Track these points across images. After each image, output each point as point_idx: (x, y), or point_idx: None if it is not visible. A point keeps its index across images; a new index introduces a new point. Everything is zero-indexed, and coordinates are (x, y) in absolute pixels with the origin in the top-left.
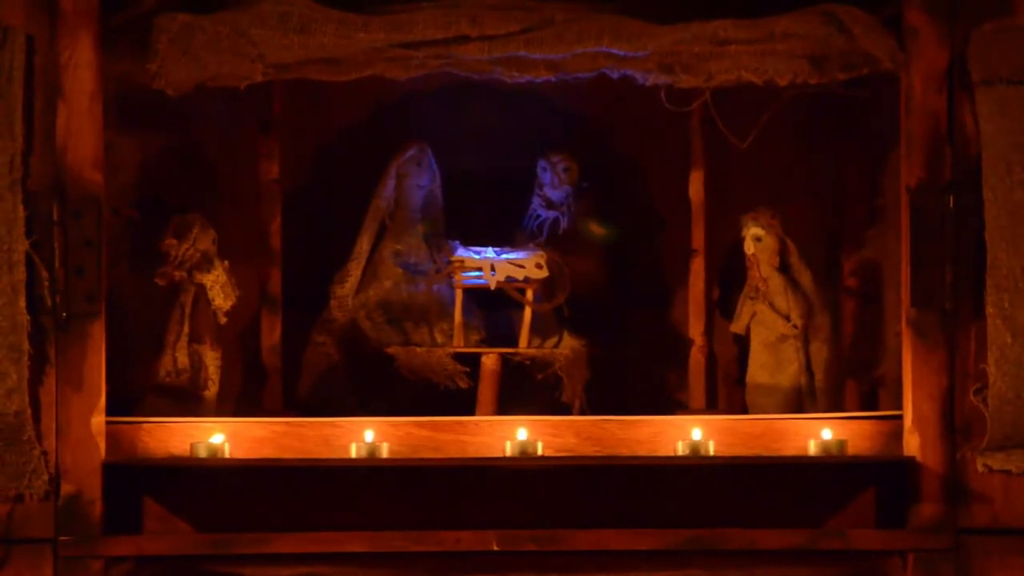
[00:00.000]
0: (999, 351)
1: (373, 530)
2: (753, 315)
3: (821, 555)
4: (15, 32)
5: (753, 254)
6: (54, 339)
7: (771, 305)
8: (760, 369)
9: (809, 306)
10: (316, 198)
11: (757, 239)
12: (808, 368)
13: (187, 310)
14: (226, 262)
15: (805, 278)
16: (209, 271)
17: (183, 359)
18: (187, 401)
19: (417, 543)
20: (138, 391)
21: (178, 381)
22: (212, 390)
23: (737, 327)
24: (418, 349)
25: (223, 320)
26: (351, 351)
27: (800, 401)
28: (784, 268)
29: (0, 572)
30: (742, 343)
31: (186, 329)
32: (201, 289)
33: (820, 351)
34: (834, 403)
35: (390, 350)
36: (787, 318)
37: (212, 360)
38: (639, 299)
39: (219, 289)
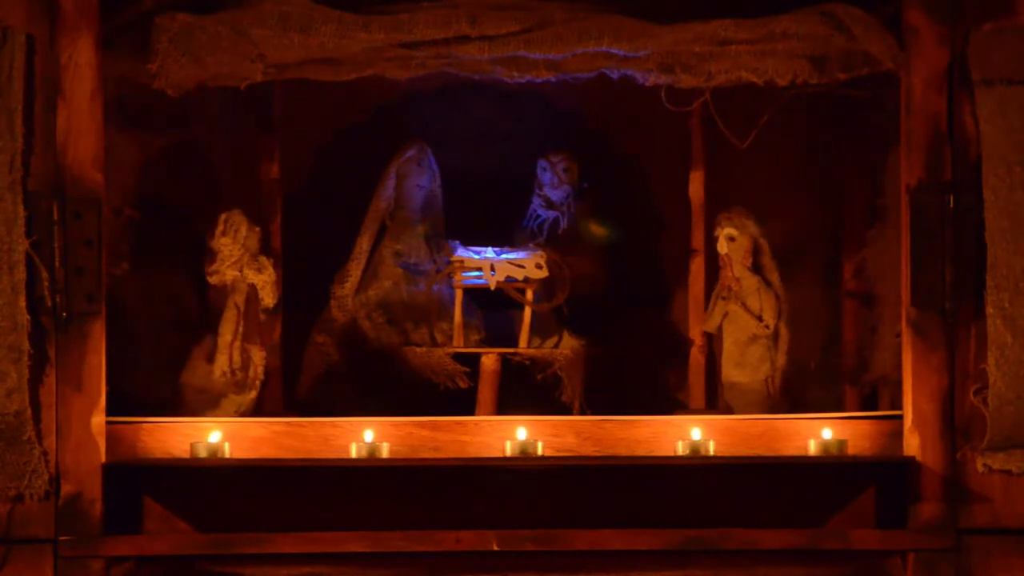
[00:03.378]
0: (999, 351)
1: (373, 530)
2: (725, 315)
3: (821, 555)
4: (15, 32)
5: (726, 254)
6: (54, 339)
7: (743, 305)
8: (733, 368)
9: (781, 306)
10: (316, 198)
11: (730, 239)
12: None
13: (242, 309)
14: (272, 259)
15: (775, 279)
16: (261, 271)
17: (238, 358)
18: (228, 400)
19: (417, 543)
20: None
21: (231, 381)
22: (258, 388)
23: (709, 326)
24: (418, 349)
25: (262, 318)
26: (351, 351)
27: (773, 400)
28: (756, 268)
29: (0, 572)
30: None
31: (241, 329)
32: (252, 289)
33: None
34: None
35: (390, 350)
36: (759, 318)
37: (259, 359)
38: (639, 299)
39: (270, 289)
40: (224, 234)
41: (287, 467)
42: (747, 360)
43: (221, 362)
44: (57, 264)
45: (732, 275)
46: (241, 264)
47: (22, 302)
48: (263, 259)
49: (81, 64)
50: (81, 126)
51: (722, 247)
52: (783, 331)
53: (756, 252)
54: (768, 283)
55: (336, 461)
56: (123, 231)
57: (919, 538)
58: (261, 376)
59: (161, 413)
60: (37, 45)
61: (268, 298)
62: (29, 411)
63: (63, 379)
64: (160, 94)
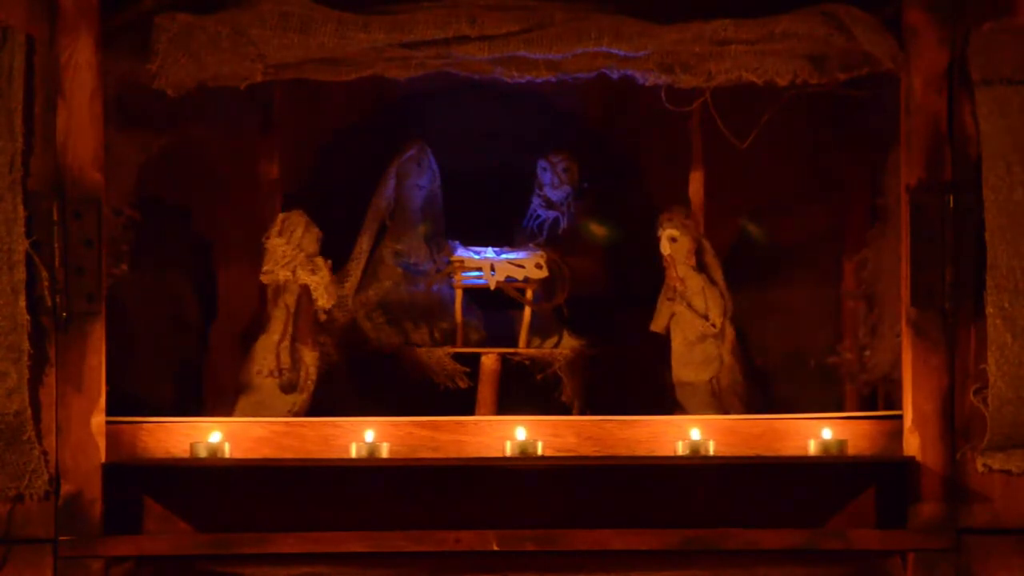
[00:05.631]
0: (999, 351)
1: (373, 530)
2: (672, 315)
3: (821, 555)
4: (15, 32)
5: (669, 255)
6: (54, 339)
7: (689, 305)
8: (683, 368)
9: (726, 304)
10: (316, 198)
11: (672, 239)
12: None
13: (292, 310)
14: (329, 261)
15: (719, 277)
16: (315, 272)
17: (286, 359)
18: (278, 400)
19: (417, 543)
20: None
21: (279, 381)
22: (310, 390)
23: (656, 327)
24: (418, 349)
25: (323, 318)
26: (351, 351)
27: (724, 398)
28: (701, 267)
29: (0, 572)
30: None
31: (291, 329)
32: (305, 290)
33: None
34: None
35: (390, 350)
36: (705, 317)
37: (312, 360)
38: (639, 299)
39: (323, 290)
40: (280, 234)
41: (287, 467)
42: (696, 359)
43: (268, 361)
44: (57, 264)
45: (676, 275)
46: (294, 265)
47: (22, 302)
48: (319, 260)
49: (81, 64)
50: (81, 126)
51: (665, 248)
52: (728, 329)
53: (699, 251)
54: (713, 282)
55: (336, 461)
56: (123, 231)
57: (919, 538)
58: (313, 377)
59: (170, 413)
60: (37, 45)
61: (322, 299)
62: (29, 411)
63: (63, 379)
64: (160, 94)
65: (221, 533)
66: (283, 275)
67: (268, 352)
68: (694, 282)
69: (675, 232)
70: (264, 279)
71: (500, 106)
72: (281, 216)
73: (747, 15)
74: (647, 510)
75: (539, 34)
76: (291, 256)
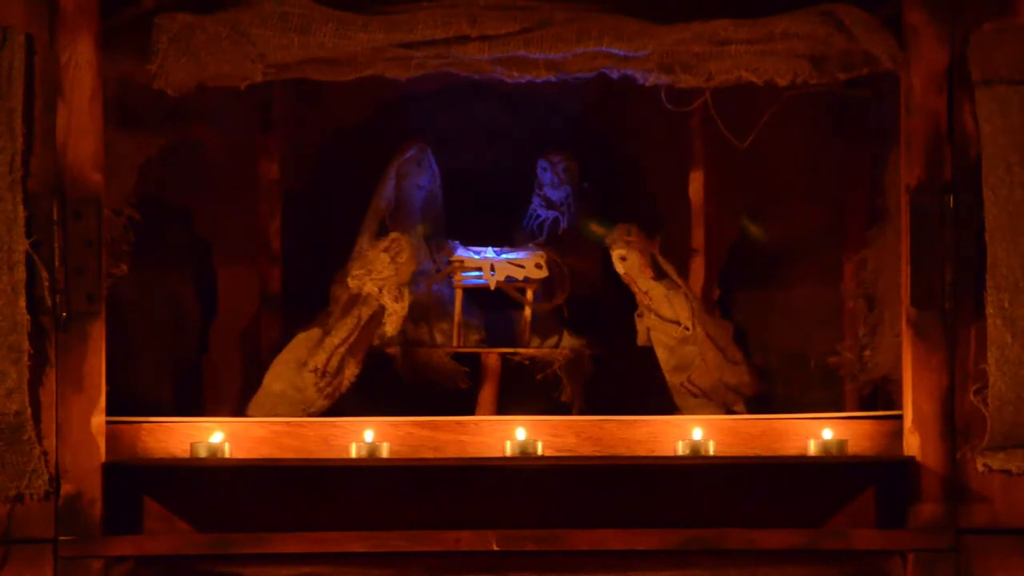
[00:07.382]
0: (999, 351)
1: (373, 530)
2: (648, 329)
3: (821, 555)
4: (15, 32)
5: (625, 273)
6: (54, 339)
7: (658, 315)
8: (671, 373)
9: (692, 304)
10: (316, 198)
11: (622, 259)
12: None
13: (363, 323)
14: (411, 295)
15: (677, 278)
16: (397, 301)
17: (334, 363)
18: (301, 397)
19: (417, 543)
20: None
21: (319, 381)
22: (334, 400)
23: (641, 342)
24: (418, 349)
25: (376, 342)
26: None
27: (714, 395)
28: (660, 275)
29: (0, 572)
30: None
31: (353, 339)
32: (381, 310)
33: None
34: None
35: (390, 350)
36: (677, 323)
37: (350, 376)
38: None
39: (396, 319)
40: (386, 251)
41: (287, 467)
42: (684, 362)
43: (319, 359)
44: (57, 264)
45: (640, 290)
46: (385, 285)
47: (22, 302)
48: (406, 291)
49: (81, 64)
50: (81, 126)
51: (618, 268)
52: (697, 328)
53: (654, 261)
54: (676, 285)
55: (336, 461)
56: (123, 231)
57: (919, 538)
58: (343, 390)
59: (170, 413)
60: (37, 45)
61: (391, 327)
62: (29, 411)
63: (63, 379)
64: (160, 94)
65: (221, 533)
66: (369, 288)
67: (324, 351)
68: (657, 292)
69: (622, 251)
70: (351, 283)
71: (500, 106)
72: (393, 235)
73: (747, 15)
74: (647, 510)
75: (539, 34)
76: (387, 275)
